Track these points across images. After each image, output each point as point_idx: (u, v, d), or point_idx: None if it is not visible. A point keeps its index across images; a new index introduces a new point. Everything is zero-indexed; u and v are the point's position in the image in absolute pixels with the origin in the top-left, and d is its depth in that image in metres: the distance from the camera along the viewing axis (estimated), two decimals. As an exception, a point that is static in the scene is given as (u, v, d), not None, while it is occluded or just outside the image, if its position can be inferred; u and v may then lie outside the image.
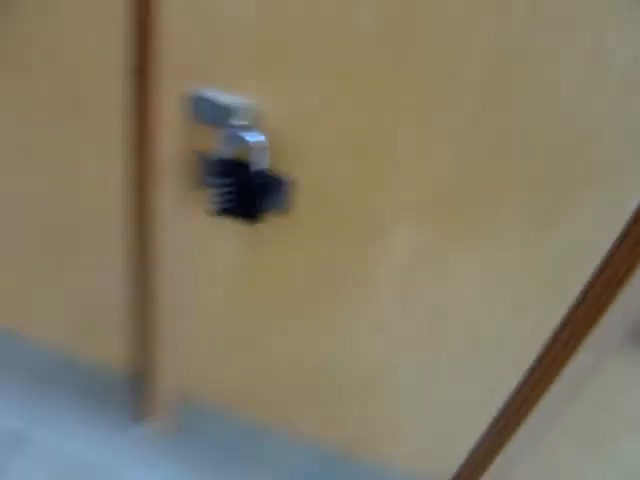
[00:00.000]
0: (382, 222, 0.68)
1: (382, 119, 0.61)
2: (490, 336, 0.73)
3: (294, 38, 0.59)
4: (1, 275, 0.94)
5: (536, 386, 0.74)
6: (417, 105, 0.60)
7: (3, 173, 0.81)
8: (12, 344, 1.02)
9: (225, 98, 0.64)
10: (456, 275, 0.70)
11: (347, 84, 0.60)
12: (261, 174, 0.66)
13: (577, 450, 0.80)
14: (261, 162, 0.65)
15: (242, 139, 0.64)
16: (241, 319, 0.83)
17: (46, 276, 0.91)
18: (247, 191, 0.68)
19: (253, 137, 0.64)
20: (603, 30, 0.52)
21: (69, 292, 0.92)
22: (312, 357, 0.84)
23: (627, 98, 0.55)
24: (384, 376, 0.83)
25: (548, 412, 0.75)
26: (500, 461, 0.81)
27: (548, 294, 0.68)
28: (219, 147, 0.65)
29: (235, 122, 0.63)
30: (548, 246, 0.64)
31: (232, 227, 0.74)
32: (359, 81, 0.60)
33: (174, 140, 0.69)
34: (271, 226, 0.72)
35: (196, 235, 0.76)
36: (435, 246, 0.68)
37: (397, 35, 0.57)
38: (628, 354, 0.68)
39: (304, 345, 0.83)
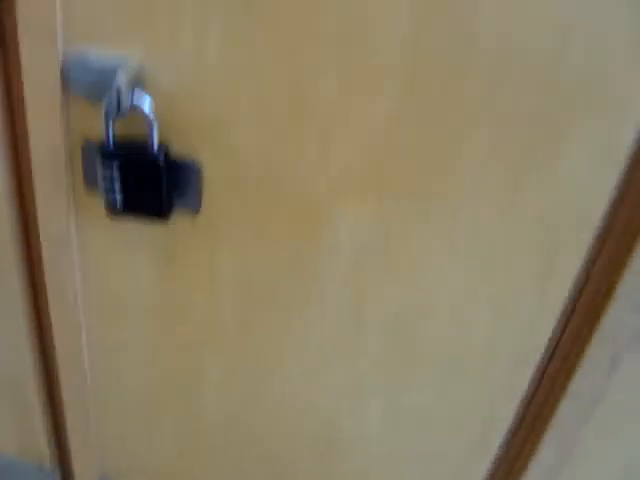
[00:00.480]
0: (316, 208, 0.54)
1: (302, 71, 0.48)
2: (471, 351, 0.60)
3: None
4: None
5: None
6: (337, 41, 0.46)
7: None
8: None
9: (104, 57, 0.50)
10: (416, 268, 0.56)
11: (261, 23, 0.47)
12: (163, 157, 0.53)
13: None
14: (157, 139, 0.52)
15: (130, 108, 0.50)
16: (162, 370, 0.69)
17: None
18: (149, 180, 0.54)
19: (145, 105, 0.50)
20: None
21: None
22: (254, 412, 0.70)
23: None
24: (344, 425, 0.68)
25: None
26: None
27: (541, 282, 0.54)
28: (105, 128, 0.52)
29: (118, 87, 0.49)
30: (520, 218, 0.51)
31: (138, 234, 0.60)
32: (276, 19, 0.46)
33: (51, 126, 0.55)
34: (182, 227, 0.58)
35: (95, 254, 0.62)
36: (384, 231, 0.54)
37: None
38: None
39: (242, 395, 0.69)
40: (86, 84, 0.52)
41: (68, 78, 0.52)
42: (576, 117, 0.46)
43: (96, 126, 0.54)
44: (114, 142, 0.52)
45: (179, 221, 0.58)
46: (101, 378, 0.71)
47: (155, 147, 0.52)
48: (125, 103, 0.50)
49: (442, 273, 0.55)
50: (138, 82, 0.51)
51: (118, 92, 0.50)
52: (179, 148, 0.54)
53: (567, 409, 0.58)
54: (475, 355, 0.60)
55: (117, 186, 0.54)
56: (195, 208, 0.57)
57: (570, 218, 0.50)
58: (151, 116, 0.51)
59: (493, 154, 0.49)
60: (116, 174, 0.54)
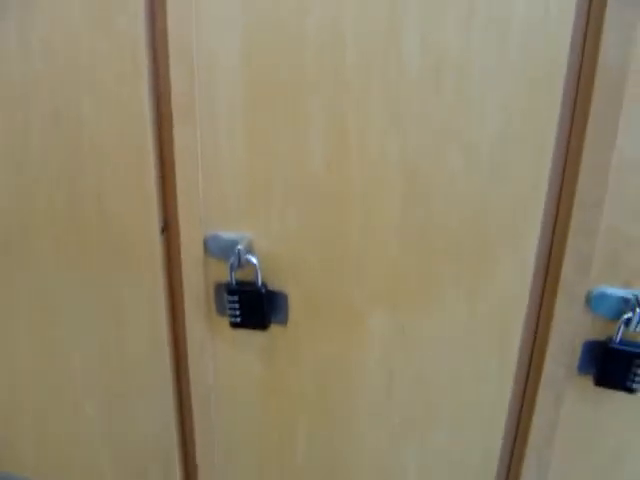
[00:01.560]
0: (357, 314, 0.87)
1: (343, 232, 0.83)
2: (465, 395, 0.88)
3: (271, 184, 0.83)
4: (56, 426, 1.12)
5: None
6: (362, 220, 0.81)
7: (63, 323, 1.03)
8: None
9: (229, 235, 0.87)
10: (420, 345, 0.87)
11: (313, 210, 0.82)
12: (264, 290, 0.87)
13: None
14: (260, 280, 0.87)
15: (246, 264, 0.86)
16: (267, 437, 0.99)
17: (96, 426, 1.09)
18: (255, 306, 0.89)
19: (254, 261, 0.86)
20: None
21: (120, 441, 1.09)
22: (335, 460, 0.98)
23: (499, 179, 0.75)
24: (391, 467, 0.97)
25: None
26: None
27: (499, 341, 0.84)
28: (229, 275, 0.87)
29: (239, 250, 0.85)
30: (485, 299, 0.82)
31: (248, 340, 0.94)
32: (321, 206, 0.82)
33: (197, 276, 0.91)
34: (277, 334, 0.91)
35: (223, 355, 0.95)
36: (400, 324, 0.86)
37: (341, 166, 0.80)
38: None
39: (325, 451, 0.98)
40: (218, 250, 0.88)
41: (207, 246, 0.89)
42: (499, 249, 0.79)
43: (224, 274, 0.89)
44: (235, 283, 0.88)
45: (274, 330, 0.91)
46: (225, 445, 1.03)
47: (259, 284, 0.87)
48: (242, 260, 0.86)
49: (435, 350, 0.87)
50: (249, 246, 0.87)
51: (238, 254, 0.86)
52: (274, 284, 0.88)
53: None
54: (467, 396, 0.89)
55: (236, 310, 0.89)
56: (284, 321, 0.91)
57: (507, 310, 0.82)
58: (257, 266, 0.87)
59: (456, 284, 0.82)
60: (236, 303, 0.89)
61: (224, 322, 0.92)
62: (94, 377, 1.04)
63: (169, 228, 0.90)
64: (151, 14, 0.80)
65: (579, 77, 0.70)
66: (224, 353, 0.95)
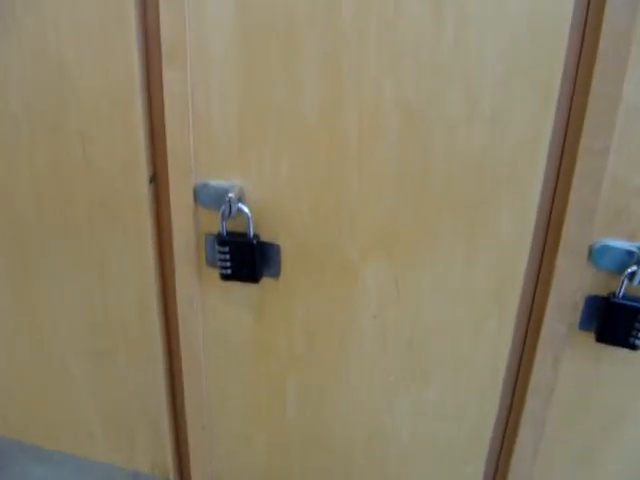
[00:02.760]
0: (351, 266, 0.84)
1: (337, 181, 0.80)
2: (462, 352, 0.86)
3: (264, 130, 0.79)
4: (41, 386, 1.10)
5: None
6: (358, 169, 0.78)
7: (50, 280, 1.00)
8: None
9: (219, 184, 0.84)
10: (416, 299, 0.84)
11: (307, 158, 0.79)
12: (256, 241, 0.85)
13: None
14: (252, 231, 0.84)
15: (237, 214, 0.83)
16: (256, 390, 0.97)
17: (82, 385, 1.07)
18: (247, 257, 0.86)
19: (246, 210, 0.83)
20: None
21: (108, 401, 1.07)
22: (324, 417, 0.96)
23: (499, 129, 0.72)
24: (384, 424, 0.95)
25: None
26: None
27: (498, 295, 0.81)
28: (220, 225, 0.84)
29: (230, 199, 0.82)
30: (484, 251, 0.79)
31: (240, 293, 0.91)
32: (314, 154, 0.79)
33: (187, 227, 0.88)
34: (268, 287, 0.89)
35: (213, 307, 0.93)
36: (395, 277, 0.83)
37: (336, 113, 0.76)
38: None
39: (313, 405, 0.96)
40: (208, 199, 0.85)
41: (197, 196, 0.86)
42: (500, 197, 0.76)
43: (214, 224, 0.86)
44: (226, 233, 0.85)
45: (266, 283, 0.88)
46: (214, 399, 1.02)
47: (251, 235, 0.84)
48: (233, 209, 0.83)
49: (431, 304, 0.84)
50: (241, 196, 0.84)
51: (229, 202, 0.83)
52: (266, 235, 0.86)
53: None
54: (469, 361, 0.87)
55: (227, 262, 0.86)
56: (276, 274, 0.88)
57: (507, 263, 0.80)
58: (249, 216, 0.83)
59: (453, 235, 0.79)
60: (227, 254, 0.86)
61: (214, 274, 0.89)
62: (78, 333, 1.02)
63: (157, 177, 0.87)
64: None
65: (586, 21, 0.67)
66: (214, 306, 0.92)
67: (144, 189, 0.87)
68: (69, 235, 0.93)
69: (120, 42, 0.80)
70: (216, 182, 0.84)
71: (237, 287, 0.90)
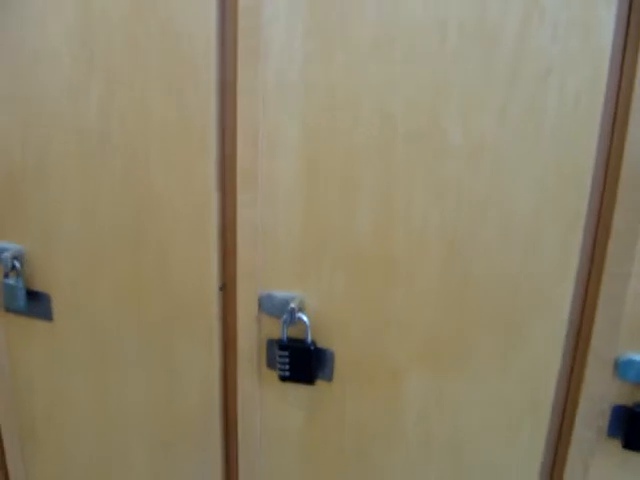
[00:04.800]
0: (399, 373, 0.93)
1: (387, 297, 0.90)
2: (497, 460, 0.93)
3: (323, 248, 0.91)
4: (106, 467, 1.17)
5: None
6: (404, 286, 0.89)
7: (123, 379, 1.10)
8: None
9: (281, 294, 0.95)
10: (455, 407, 0.92)
11: (360, 274, 0.90)
12: (313, 347, 0.94)
13: None
14: (310, 338, 0.94)
15: (297, 322, 0.93)
16: None
17: (148, 473, 1.15)
18: (304, 361, 0.95)
19: (305, 319, 0.93)
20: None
21: None
22: None
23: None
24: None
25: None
26: None
27: (531, 405, 0.89)
28: (282, 331, 0.95)
29: (292, 308, 0.93)
30: (518, 365, 0.87)
31: (295, 393, 1.00)
32: (367, 270, 0.90)
33: (251, 331, 0.99)
34: (322, 389, 0.98)
35: (271, 406, 1.01)
36: (438, 386, 0.91)
37: (387, 234, 0.88)
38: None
39: None
40: (272, 308, 0.96)
41: (262, 304, 0.97)
42: (531, 315, 0.86)
43: (275, 330, 0.97)
44: (286, 339, 0.95)
45: (320, 385, 0.97)
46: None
47: (309, 342, 0.94)
48: (294, 318, 0.94)
49: (471, 411, 0.92)
50: (301, 306, 0.95)
51: (291, 312, 0.93)
52: (322, 342, 0.95)
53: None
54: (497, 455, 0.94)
55: (286, 364, 0.96)
56: (330, 378, 0.97)
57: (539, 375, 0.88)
58: (307, 324, 0.94)
59: (490, 349, 0.88)
60: (286, 358, 0.96)
61: (273, 375, 0.99)
62: (145, 426, 1.11)
63: (227, 286, 0.99)
64: (222, 89, 0.91)
65: (607, 163, 0.78)
66: (271, 405, 1.01)
67: (214, 296, 0.98)
68: (144, 336, 1.04)
69: (201, 169, 0.93)
70: (279, 293, 0.95)
71: (293, 388, 0.99)
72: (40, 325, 1.10)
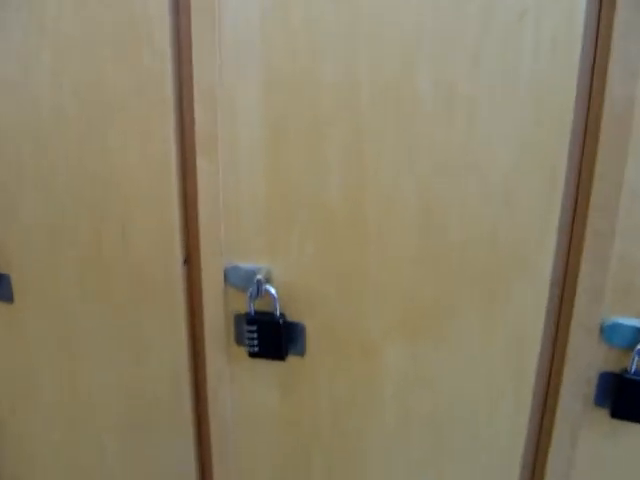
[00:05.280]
0: (375, 344, 0.88)
1: (359, 264, 0.85)
2: (480, 431, 0.89)
3: (290, 215, 0.86)
4: (76, 451, 1.13)
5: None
6: (379, 251, 0.83)
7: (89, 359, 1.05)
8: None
9: (248, 266, 0.89)
10: (434, 376, 0.88)
11: (331, 242, 0.85)
12: (282, 321, 0.89)
13: None
14: (279, 311, 0.89)
15: (264, 294, 0.88)
16: (282, 461, 0.99)
17: (115, 459, 1.10)
18: (273, 336, 0.90)
19: (273, 291, 0.88)
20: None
21: (139, 475, 1.10)
22: None
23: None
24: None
25: None
26: None
27: (514, 372, 0.84)
28: (248, 305, 0.89)
29: (258, 280, 0.87)
30: (500, 329, 0.83)
31: (266, 370, 0.96)
32: (338, 238, 0.85)
33: (217, 306, 0.93)
34: (294, 364, 0.93)
35: (241, 382, 0.96)
36: (417, 354, 0.87)
37: (358, 199, 0.82)
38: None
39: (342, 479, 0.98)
40: (238, 280, 0.91)
41: (227, 277, 0.92)
42: (513, 273, 0.80)
43: (243, 304, 0.92)
44: (254, 313, 0.90)
45: (292, 361, 0.93)
46: (242, 470, 1.04)
47: (277, 315, 0.89)
48: (261, 290, 0.88)
49: (452, 382, 0.87)
50: (268, 277, 0.89)
51: (257, 284, 0.88)
52: (292, 315, 0.90)
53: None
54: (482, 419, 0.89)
55: (255, 340, 0.91)
56: (302, 352, 0.92)
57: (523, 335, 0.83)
58: (275, 297, 0.89)
59: (470, 314, 0.83)
60: (254, 333, 0.91)
61: (243, 351, 0.93)
62: (114, 408, 1.05)
63: (190, 259, 0.93)
64: (177, 54, 0.85)
65: (588, 109, 0.73)
66: (242, 383, 0.96)
67: (178, 270, 0.93)
68: (109, 315, 0.99)
69: (158, 134, 0.87)
70: (245, 264, 0.89)
71: (264, 364, 0.94)
72: (0, 307, 1.04)
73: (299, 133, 0.82)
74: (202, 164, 0.87)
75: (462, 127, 0.76)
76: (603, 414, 0.81)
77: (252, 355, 0.91)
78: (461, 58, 0.74)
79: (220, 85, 0.83)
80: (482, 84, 0.74)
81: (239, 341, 0.94)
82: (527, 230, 0.78)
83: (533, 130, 0.74)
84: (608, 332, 0.77)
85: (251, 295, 0.88)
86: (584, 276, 0.78)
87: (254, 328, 0.89)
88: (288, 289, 0.89)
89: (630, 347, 0.77)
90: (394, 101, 0.77)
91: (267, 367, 0.94)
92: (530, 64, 0.72)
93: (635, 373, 0.77)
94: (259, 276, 0.87)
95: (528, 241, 0.78)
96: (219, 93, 0.83)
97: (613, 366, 0.79)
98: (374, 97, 0.78)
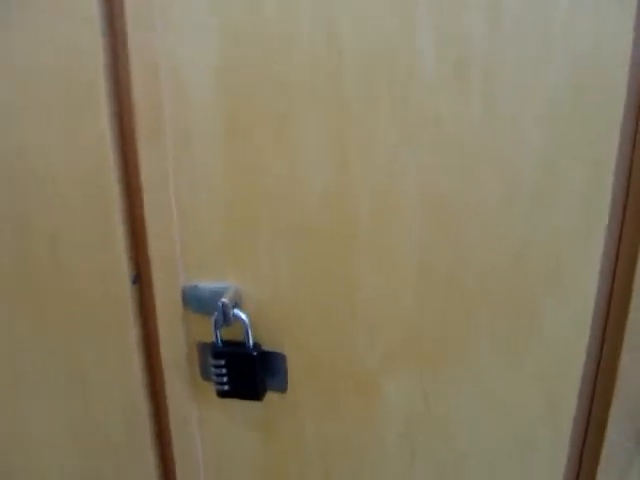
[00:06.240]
0: (372, 377, 0.71)
1: (347, 277, 0.67)
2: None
3: (258, 221, 0.68)
4: None
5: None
6: (372, 262, 0.65)
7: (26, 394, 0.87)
8: None
9: (210, 286, 0.71)
10: (449, 417, 0.71)
11: (310, 253, 0.67)
12: (257, 352, 0.72)
13: None
14: (252, 340, 0.71)
15: (233, 320, 0.70)
16: None
17: None
18: (246, 371, 0.73)
19: (243, 316, 0.70)
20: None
21: None
22: None
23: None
24: None
25: None
26: None
27: (549, 412, 0.68)
28: (214, 334, 0.72)
29: (223, 304, 0.69)
30: (529, 360, 0.66)
31: (241, 410, 0.78)
32: (318, 248, 0.67)
33: (176, 335, 0.75)
34: (274, 403, 0.76)
35: (211, 426, 0.79)
36: (423, 390, 0.70)
37: (342, 198, 0.64)
38: None
39: None
40: (198, 304, 0.73)
41: (186, 300, 0.73)
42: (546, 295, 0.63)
43: (208, 332, 0.74)
44: (221, 343, 0.72)
45: (271, 399, 0.75)
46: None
47: (251, 345, 0.71)
48: (228, 315, 0.70)
49: (468, 420, 0.70)
50: (237, 299, 0.71)
51: (223, 307, 0.70)
52: (269, 343, 0.73)
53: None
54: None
55: (224, 376, 0.73)
56: (283, 389, 0.75)
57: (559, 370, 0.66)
58: (246, 323, 0.71)
59: (491, 341, 0.66)
60: (222, 368, 0.73)
61: (211, 389, 0.76)
62: (64, 456, 0.88)
63: (141, 278, 0.75)
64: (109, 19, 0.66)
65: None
66: (213, 426, 0.79)
67: (127, 291, 0.75)
68: (45, 348, 0.81)
69: (90, 128, 0.68)
70: (207, 283, 0.71)
71: (239, 404, 0.77)
72: None
73: (266, 115, 0.64)
74: (145, 158, 0.68)
75: (477, 105, 0.58)
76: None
77: (221, 395, 0.73)
78: (474, 10, 0.55)
79: (164, 54, 0.64)
80: (502, 46, 0.55)
81: (205, 376, 0.76)
82: (564, 240, 0.60)
83: (571, 111, 0.56)
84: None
85: (216, 322, 0.70)
86: (638, 286, 0.60)
87: (222, 362, 0.72)
88: (262, 312, 0.72)
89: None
90: (387, 70, 0.59)
91: (242, 406, 0.77)
92: (565, 18, 0.53)
93: None
94: (224, 299, 0.69)
95: (565, 254, 0.60)
96: (164, 65, 0.65)
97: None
98: (362, 65, 0.59)
